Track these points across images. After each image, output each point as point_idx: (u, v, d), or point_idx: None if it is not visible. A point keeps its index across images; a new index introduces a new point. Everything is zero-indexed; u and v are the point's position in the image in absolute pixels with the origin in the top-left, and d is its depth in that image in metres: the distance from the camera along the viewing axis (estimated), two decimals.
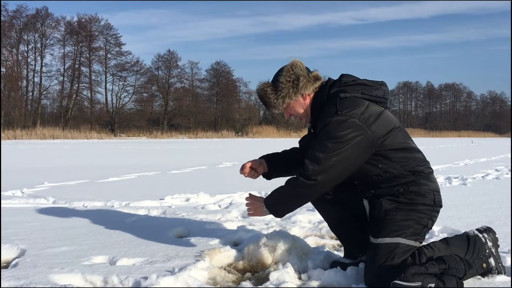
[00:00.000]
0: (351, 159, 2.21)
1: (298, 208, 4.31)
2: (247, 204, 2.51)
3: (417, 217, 2.23)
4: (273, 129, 53.87)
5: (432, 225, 2.31)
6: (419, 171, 2.28)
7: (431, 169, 2.37)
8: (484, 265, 2.22)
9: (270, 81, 2.48)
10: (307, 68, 2.48)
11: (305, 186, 2.22)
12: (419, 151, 2.38)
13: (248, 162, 2.71)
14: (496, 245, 2.31)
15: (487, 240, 2.28)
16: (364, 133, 2.19)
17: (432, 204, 2.26)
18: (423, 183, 2.27)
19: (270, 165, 2.74)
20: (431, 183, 2.30)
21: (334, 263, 2.54)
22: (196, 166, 9.98)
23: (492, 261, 2.24)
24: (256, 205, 2.45)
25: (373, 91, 2.35)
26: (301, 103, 2.45)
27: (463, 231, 3.20)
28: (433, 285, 1.90)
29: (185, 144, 28.62)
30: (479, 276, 2.24)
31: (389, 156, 2.26)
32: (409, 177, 2.26)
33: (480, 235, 2.29)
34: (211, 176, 8.00)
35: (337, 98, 2.29)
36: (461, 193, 5.57)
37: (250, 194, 2.58)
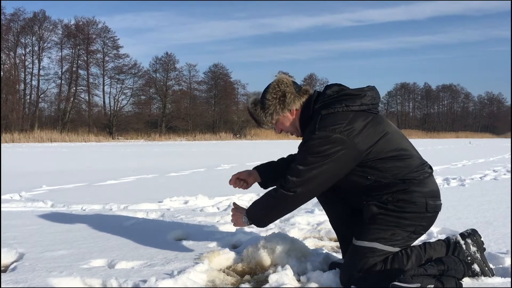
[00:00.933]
0: (332, 172, 2.22)
1: (297, 210, 4.34)
2: (231, 215, 2.56)
3: (402, 224, 2.23)
4: (271, 131, 53.77)
5: (423, 230, 2.29)
6: (411, 178, 2.24)
7: (428, 172, 2.32)
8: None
9: (259, 97, 2.52)
10: (294, 83, 2.50)
11: (284, 197, 2.25)
12: (412, 156, 2.32)
13: (235, 174, 2.77)
14: (482, 249, 2.28)
15: (470, 246, 2.26)
16: (347, 147, 2.18)
17: (423, 211, 2.24)
18: (414, 191, 2.23)
19: (263, 175, 2.76)
20: (425, 189, 2.26)
21: (333, 264, 2.54)
22: (194, 169, 9.97)
23: (475, 266, 2.23)
24: (237, 216, 2.50)
25: (358, 101, 2.30)
26: (290, 118, 2.49)
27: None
28: (432, 286, 1.91)
29: (183, 146, 28.60)
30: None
31: (378, 167, 2.24)
32: (399, 185, 2.23)
33: (462, 242, 2.27)
34: (209, 179, 8.00)
35: (318, 116, 2.30)
36: (459, 194, 5.58)
37: (234, 203, 2.63)
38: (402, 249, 2.25)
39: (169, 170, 9.56)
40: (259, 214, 2.40)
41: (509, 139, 38.11)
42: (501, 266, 2.47)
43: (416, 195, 2.23)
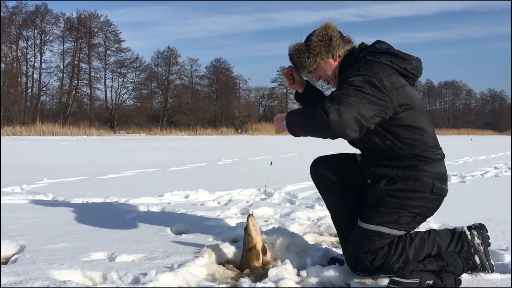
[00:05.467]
0: (366, 110, 2.15)
1: (297, 205, 4.34)
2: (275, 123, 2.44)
3: (408, 205, 2.26)
4: (273, 126, 53.72)
5: (428, 213, 2.32)
6: (424, 156, 2.27)
7: (441, 156, 2.35)
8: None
9: (303, 42, 2.49)
10: (340, 32, 2.49)
11: (320, 118, 2.13)
12: (430, 136, 2.34)
13: (293, 68, 2.65)
14: (486, 243, 2.29)
15: (475, 237, 2.27)
16: (383, 96, 2.19)
17: (429, 192, 2.26)
18: (424, 169, 2.26)
19: (307, 91, 2.70)
20: (435, 170, 2.28)
21: (332, 259, 2.55)
22: (195, 163, 9.98)
23: (476, 258, 2.23)
24: (279, 120, 2.40)
25: (402, 63, 2.34)
26: (331, 64, 2.46)
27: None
28: (431, 282, 1.91)
29: (184, 141, 28.62)
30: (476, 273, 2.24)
31: (398, 133, 2.26)
32: (412, 160, 2.26)
33: (468, 232, 2.28)
34: (210, 173, 8.01)
35: (362, 60, 2.31)
36: (460, 190, 5.58)
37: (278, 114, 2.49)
38: (407, 233, 2.26)
39: (170, 164, 9.57)
40: (296, 123, 2.31)
41: (511, 136, 38.01)
42: (500, 262, 2.47)
43: (425, 174, 2.25)
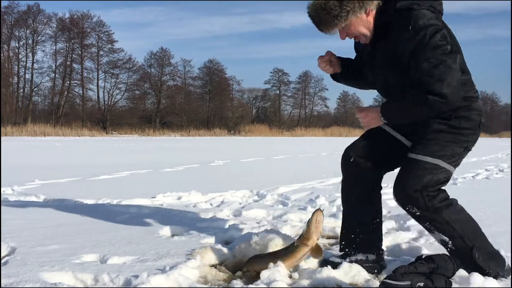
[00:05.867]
0: (458, 62, 2.21)
1: (290, 207, 4.35)
2: (360, 118, 2.42)
3: (459, 140, 2.32)
4: (266, 128, 53.88)
5: (472, 147, 2.41)
6: (472, 96, 2.33)
7: (478, 93, 2.42)
8: None
9: None
10: None
11: (436, 103, 2.15)
12: (471, 76, 2.40)
13: (330, 53, 2.60)
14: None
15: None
16: (456, 43, 2.25)
17: (476, 128, 2.35)
18: (473, 108, 2.33)
19: (344, 68, 2.65)
20: (479, 107, 2.37)
21: (325, 261, 2.55)
22: (188, 164, 9.97)
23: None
24: (371, 116, 2.37)
25: (438, 7, 2.34)
26: (364, 20, 2.30)
27: None
28: (422, 284, 1.92)
29: (177, 142, 28.57)
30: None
31: None
32: (461, 102, 2.29)
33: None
34: (203, 175, 8.00)
35: (411, 11, 2.24)
36: (451, 192, 5.56)
37: (358, 107, 2.49)
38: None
39: (163, 165, 9.54)
40: (399, 117, 2.35)
41: (503, 138, 38.33)
42: None
43: (474, 112, 2.33)
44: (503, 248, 2.52)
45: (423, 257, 2.05)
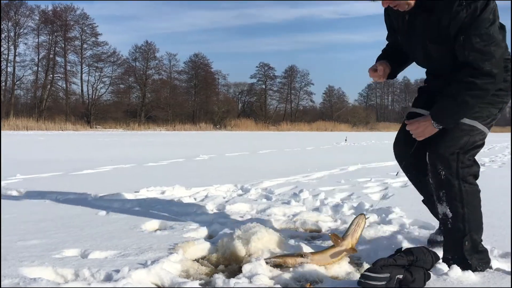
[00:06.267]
0: (505, 43, 2.26)
1: (273, 201, 4.36)
2: (412, 130, 2.40)
3: (495, 101, 2.34)
4: (252, 122, 53.88)
5: (504, 109, 2.43)
6: (506, 58, 2.33)
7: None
8: None
9: None
10: None
11: (488, 83, 2.17)
12: None
13: (378, 64, 2.62)
14: None
15: None
16: (499, 19, 2.24)
17: (509, 89, 2.38)
18: (508, 69, 2.34)
19: (392, 64, 2.65)
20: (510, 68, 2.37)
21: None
22: (173, 159, 9.92)
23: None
24: (423, 126, 2.35)
25: None
26: None
27: (433, 223, 3.29)
28: (401, 276, 1.95)
29: (162, 136, 28.42)
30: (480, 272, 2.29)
31: None
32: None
33: None
34: (187, 169, 7.97)
35: None
36: None
37: (407, 120, 2.48)
38: None
39: (147, 160, 9.49)
40: (452, 117, 2.28)
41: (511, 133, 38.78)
42: None
43: (508, 74, 2.34)
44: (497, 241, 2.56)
45: (403, 250, 2.08)
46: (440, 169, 2.30)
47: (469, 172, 2.32)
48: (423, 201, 2.89)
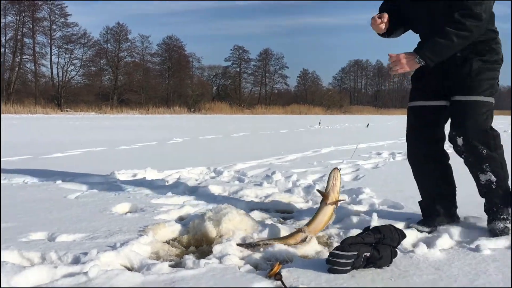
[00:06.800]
0: None
1: (246, 183, 4.36)
2: (392, 62, 2.53)
3: (495, 73, 2.58)
4: (226, 105, 53.69)
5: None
6: (494, 30, 2.59)
7: None
8: None
9: None
10: None
11: (474, 26, 2.40)
12: None
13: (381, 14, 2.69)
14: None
15: None
16: None
17: (501, 60, 2.61)
18: (499, 41, 2.59)
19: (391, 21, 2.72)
20: (500, 41, 2.61)
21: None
22: (145, 142, 9.81)
23: None
24: (406, 59, 2.49)
25: None
26: None
27: (402, 203, 3.36)
28: (368, 254, 1.98)
29: (135, 120, 28.05)
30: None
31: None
32: (490, 34, 2.56)
33: None
34: (160, 152, 7.90)
35: None
36: (403, 168, 5.77)
37: (390, 54, 2.57)
38: None
39: (119, 143, 9.35)
40: (436, 53, 2.46)
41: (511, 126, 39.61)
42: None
43: (499, 45, 2.60)
44: None
45: (371, 228, 2.11)
46: (481, 148, 2.53)
47: (499, 140, 2.59)
48: (420, 202, 2.92)
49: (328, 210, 2.60)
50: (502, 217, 2.58)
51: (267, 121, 27.42)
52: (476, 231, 2.67)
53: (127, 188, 4.06)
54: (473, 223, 2.81)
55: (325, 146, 8.87)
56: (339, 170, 2.67)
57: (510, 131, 15.80)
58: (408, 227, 2.84)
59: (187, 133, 13.78)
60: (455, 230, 2.67)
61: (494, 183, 2.61)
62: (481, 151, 2.53)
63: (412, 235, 2.57)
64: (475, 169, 2.63)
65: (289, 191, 4.08)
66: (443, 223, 2.74)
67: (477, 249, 2.32)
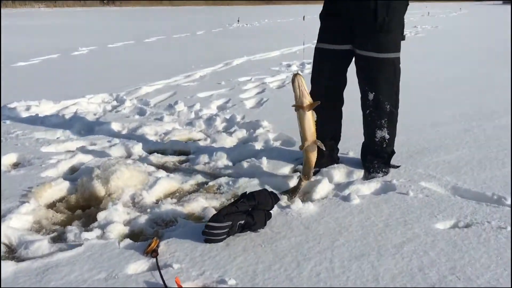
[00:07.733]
0: None
1: (146, 117, 4.26)
2: None
3: (402, 26, 2.69)
4: None
5: None
6: None
7: None
8: None
9: None
10: None
11: None
12: None
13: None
14: None
15: None
16: None
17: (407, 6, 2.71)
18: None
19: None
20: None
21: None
22: (46, 55, 9.10)
23: None
24: None
25: None
26: None
27: (295, 138, 3.46)
28: (242, 222, 2.09)
29: (40, 16, 25.64)
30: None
31: None
32: None
33: None
34: (61, 71, 7.37)
35: None
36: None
37: None
38: None
39: (16, 57, 8.59)
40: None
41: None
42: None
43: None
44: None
45: (246, 194, 2.21)
46: (386, 104, 2.71)
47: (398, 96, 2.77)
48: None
49: (309, 116, 2.58)
50: (383, 170, 2.86)
51: (184, 19, 26.19)
52: (355, 172, 2.88)
53: (16, 130, 3.81)
54: (356, 163, 3.01)
55: (237, 56, 8.74)
56: (301, 75, 2.56)
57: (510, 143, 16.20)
58: (295, 170, 3.01)
59: (95, 38, 12.92)
60: (336, 172, 2.85)
61: (386, 141, 2.82)
62: (385, 106, 2.72)
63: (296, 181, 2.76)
64: (373, 125, 2.80)
65: (190, 123, 4.08)
66: (326, 164, 2.92)
67: (348, 198, 2.52)
